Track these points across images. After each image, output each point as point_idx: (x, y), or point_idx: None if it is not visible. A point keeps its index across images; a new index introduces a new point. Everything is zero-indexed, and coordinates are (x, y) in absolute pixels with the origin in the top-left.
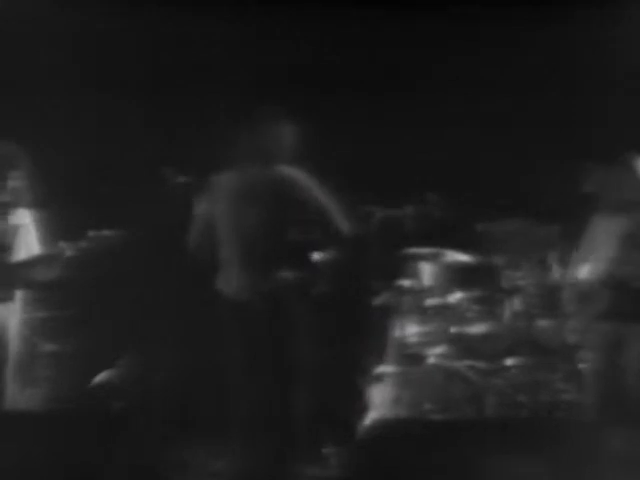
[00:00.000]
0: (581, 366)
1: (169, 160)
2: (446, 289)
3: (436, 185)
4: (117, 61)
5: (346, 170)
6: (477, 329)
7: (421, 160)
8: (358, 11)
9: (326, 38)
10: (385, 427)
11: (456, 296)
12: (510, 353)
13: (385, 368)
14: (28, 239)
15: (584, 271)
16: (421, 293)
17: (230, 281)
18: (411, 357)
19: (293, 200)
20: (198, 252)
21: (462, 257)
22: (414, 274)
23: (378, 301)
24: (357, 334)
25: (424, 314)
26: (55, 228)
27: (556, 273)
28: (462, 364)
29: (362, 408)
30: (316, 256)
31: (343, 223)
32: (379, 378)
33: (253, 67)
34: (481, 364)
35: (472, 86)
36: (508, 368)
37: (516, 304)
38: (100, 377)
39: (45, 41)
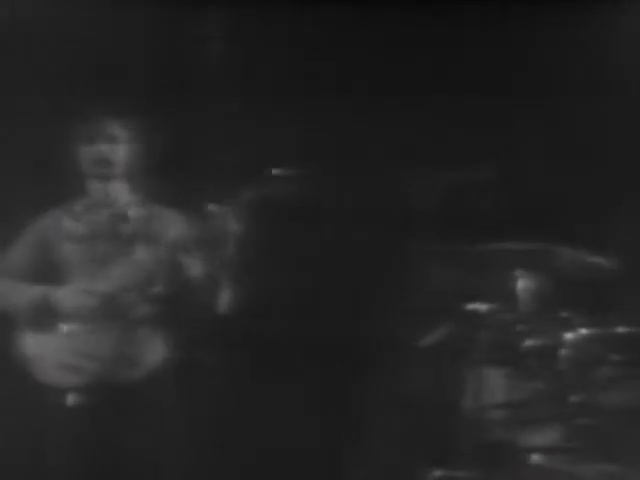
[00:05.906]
0: None
1: None
2: (560, 321)
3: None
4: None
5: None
6: (617, 397)
7: None
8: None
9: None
10: None
11: (578, 333)
12: None
13: (446, 471)
14: None
15: None
16: (512, 326)
17: None
18: (495, 451)
19: None
20: None
21: (593, 259)
22: (498, 291)
23: (427, 342)
24: (391, 406)
25: (518, 367)
26: None
27: None
28: (592, 468)
29: None
30: None
31: None
32: None
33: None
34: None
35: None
36: None
37: None
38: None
39: None
